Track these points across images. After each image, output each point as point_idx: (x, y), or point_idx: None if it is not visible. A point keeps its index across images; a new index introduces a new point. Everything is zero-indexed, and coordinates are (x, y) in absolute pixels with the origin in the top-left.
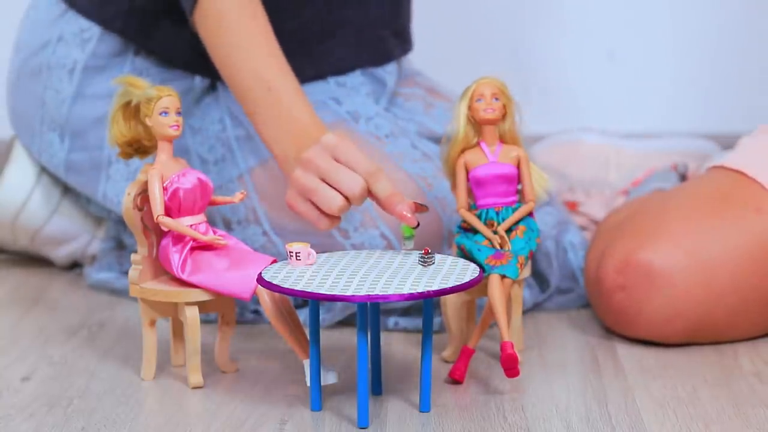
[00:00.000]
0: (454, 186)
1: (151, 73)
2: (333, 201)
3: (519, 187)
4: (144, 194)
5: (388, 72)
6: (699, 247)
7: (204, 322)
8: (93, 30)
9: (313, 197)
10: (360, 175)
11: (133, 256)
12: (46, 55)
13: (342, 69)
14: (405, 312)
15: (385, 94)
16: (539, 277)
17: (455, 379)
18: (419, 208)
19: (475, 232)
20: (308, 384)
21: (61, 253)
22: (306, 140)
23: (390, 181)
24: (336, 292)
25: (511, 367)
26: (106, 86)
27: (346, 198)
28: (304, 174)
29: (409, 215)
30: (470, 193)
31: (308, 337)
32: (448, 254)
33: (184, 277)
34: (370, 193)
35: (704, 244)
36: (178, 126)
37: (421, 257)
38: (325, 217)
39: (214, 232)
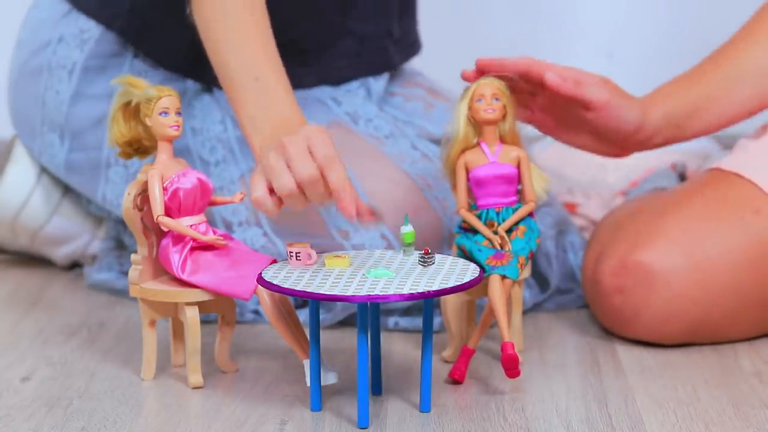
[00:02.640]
0: (454, 186)
1: (149, 75)
2: (285, 184)
3: (519, 187)
4: (144, 194)
5: (379, 77)
6: (696, 249)
7: (204, 322)
8: (92, 31)
9: (269, 176)
10: (315, 163)
11: (133, 256)
12: (47, 56)
13: (342, 78)
14: (405, 312)
15: (376, 98)
16: (539, 278)
17: (455, 379)
18: (371, 213)
19: (476, 232)
20: (308, 384)
21: (61, 253)
22: (286, 130)
23: (344, 171)
24: (336, 292)
25: (511, 367)
26: (104, 87)
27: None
28: (275, 156)
29: (351, 210)
30: (470, 193)
31: (308, 337)
32: (448, 254)
33: (184, 277)
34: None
35: (701, 245)
36: (178, 126)
37: (421, 257)
38: (273, 198)
39: (214, 232)
